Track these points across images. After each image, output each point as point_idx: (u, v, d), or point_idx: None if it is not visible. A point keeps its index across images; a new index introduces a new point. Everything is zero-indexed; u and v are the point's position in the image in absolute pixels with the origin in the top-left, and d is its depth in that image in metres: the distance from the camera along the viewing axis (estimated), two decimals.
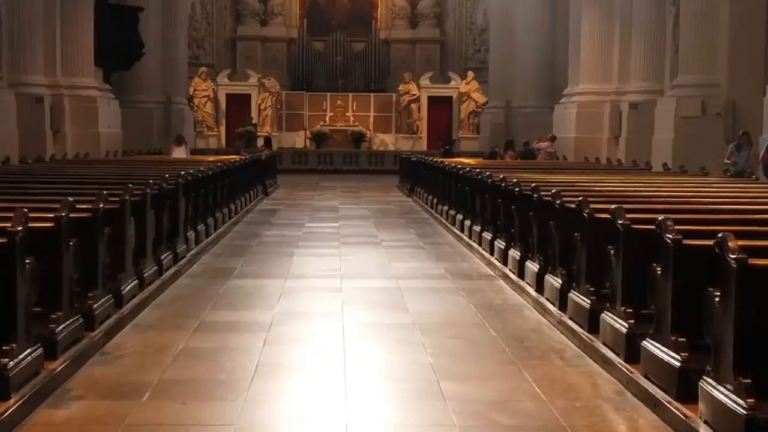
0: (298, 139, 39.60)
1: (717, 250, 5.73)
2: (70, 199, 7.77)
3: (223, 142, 38.61)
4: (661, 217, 6.88)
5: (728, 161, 16.89)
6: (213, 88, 38.86)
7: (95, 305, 8.12)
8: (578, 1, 26.93)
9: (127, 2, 29.34)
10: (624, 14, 24.80)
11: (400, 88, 40.14)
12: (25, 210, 6.70)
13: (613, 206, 7.96)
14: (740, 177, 15.41)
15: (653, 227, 6.85)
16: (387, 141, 39.88)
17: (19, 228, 6.43)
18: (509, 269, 11.57)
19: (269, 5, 41.93)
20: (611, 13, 25.34)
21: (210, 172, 15.47)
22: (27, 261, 6.54)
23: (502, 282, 11.43)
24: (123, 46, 26.75)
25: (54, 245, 7.31)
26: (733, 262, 5.55)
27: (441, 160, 22.51)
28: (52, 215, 7.40)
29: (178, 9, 34.40)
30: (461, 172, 16.70)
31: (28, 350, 6.48)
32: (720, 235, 5.76)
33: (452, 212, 17.10)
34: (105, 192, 8.79)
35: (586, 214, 8.51)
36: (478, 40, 40.80)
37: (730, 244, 5.64)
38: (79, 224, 7.88)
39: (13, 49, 21.85)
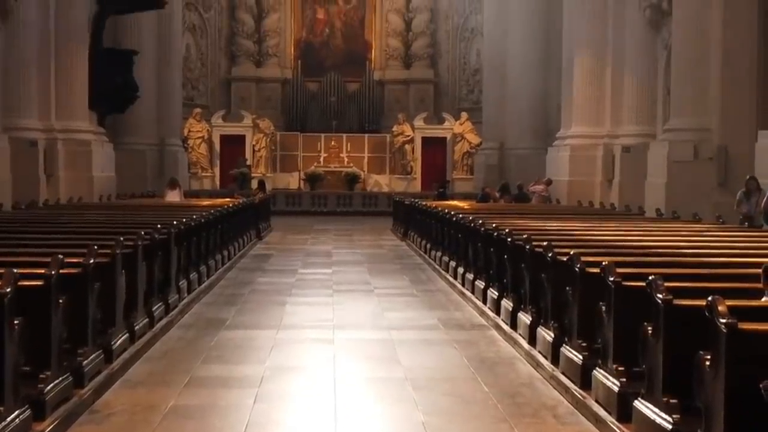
0: (292, 180, 39.65)
1: (707, 314, 5.72)
2: (60, 256, 7.74)
3: (218, 183, 38.65)
4: (652, 275, 6.86)
5: (741, 210, 16.20)
6: (207, 129, 38.95)
7: (85, 362, 8.07)
8: (570, 44, 27.11)
9: (122, 45, 29.53)
10: (616, 58, 24.97)
11: (394, 128, 40.27)
12: (14, 270, 6.67)
13: (604, 261, 7.95)
14: (752, 225, 15.02)
15: (644, 284, 6.83)
16: (381, 182, 39.94)
17: (8, 289, 6.40)
18: (502, 319, 11.53)
19: (264, 46, 42.14)
20: (603, 57, 25.49)
21: (203, 220, 15.45)
22: (16, 321, 6.51)
23: (495, 333, 11.39)
24: (118, 89, 26.83)
25: (43, 304, 7.28)
26: (723, 326, 5.53)
27: (434, 204, 22.54)
28: (42, 271, 7.38)
29: (173, 51, 34.60)
30: (454, 218, 16.70)
31: (16, 413, 6.43)
32: (710, 298, 5.74)
33: (445, 258, 17.08)
34: (96, 246, 8.75)
35: (577, 269, 8.50)
36: (472, 81, 41.02)
37: (719, 307, 5.62)
38: (69, 280, 7.85)
39: (7, 93, 21.94)
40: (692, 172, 19.48)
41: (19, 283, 6.65)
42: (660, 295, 6.55)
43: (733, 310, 5.62)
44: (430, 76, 42.45)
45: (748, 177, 16.49)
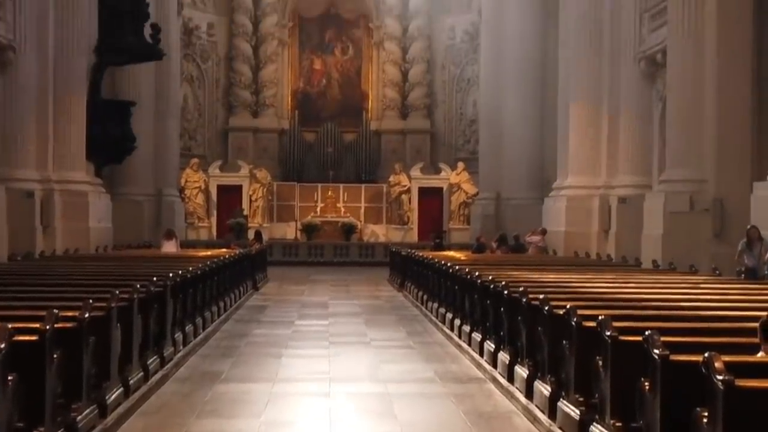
0: (289, 230, 39.66)
1: (703, 370, 5.69)
2: (55, 310, 7.71)
3: (214, 233, 38.65)
4: (648, 330, 6.84)
5: (744, 262, 15.85)
6: (204, 180, 39.04)
7: (79, 417, 8.00)
8: (565, 95, 27.27)
9: (120, 96, 29.69)
10: (611, 109, 25.11)
11: (391, 178, 40.37)
12: (9, 326, 6.64)
13: (601, 314, 7.93)
14: (755, 278, 14.72)
15: (641, 338, 6.81)
16: (378, 232, 39.96)
17: (2, 345, 6.37)
18: (499, 372, 11.47)
19: (261, 97, 42.37)
20: (599, 108, 25.64)
21: (199, 272, 15.43)
22: (9, 377, 6.47)
23: (491, 386, 11.33)
24: (115, 140, 26.94)
25: (38, 359, 7.23)
26: (720, 383, 5.51)
27: (431, 254, 22.52)
28: (37, 326, 7.34)
29: (171, 101, 34.81)
30: (450, 269, 16.68)
31: None
32: (706, 354, 5.72)
33: (442, 310, 17.04)
34: (91, 300, 8.72)
35: (573, 323, 8.47)
36: (468, 131, 41.22)
37: (716, 364, 5.60)
38: (64, 335, 7.81)
39: (5, 144, 22.07)
40: (688, 223, 19.50)
41: (14, 339, 6.62)
42: (657, 351, 6.52)
43: (730, 367, 5.60)
44: (427, 126, 42.66)
45: (749, 226, 16.22)
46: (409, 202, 40.22)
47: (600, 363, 7.66)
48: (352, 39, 43.28)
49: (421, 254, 22.86)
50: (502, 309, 11.84)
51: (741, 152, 19.24)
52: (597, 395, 7.80)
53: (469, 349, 13.52)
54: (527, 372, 10.17)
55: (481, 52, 37.64)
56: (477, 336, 13.30)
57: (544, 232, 26.69)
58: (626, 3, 24.33)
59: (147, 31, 27.04)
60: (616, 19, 24.86)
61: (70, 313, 8.27)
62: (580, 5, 26.08)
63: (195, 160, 38.88)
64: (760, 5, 19.52)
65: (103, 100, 26.89)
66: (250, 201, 39.67)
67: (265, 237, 32.98)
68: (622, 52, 24.49)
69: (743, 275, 15.03)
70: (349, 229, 38.27)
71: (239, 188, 39.78)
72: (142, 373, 10.51)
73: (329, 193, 39.94)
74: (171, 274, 13.07)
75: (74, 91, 23.96)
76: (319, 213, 39.50)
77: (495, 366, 11.79)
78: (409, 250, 25.65)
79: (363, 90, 43.16)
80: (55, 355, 7.50)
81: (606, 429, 7.46)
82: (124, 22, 26.36)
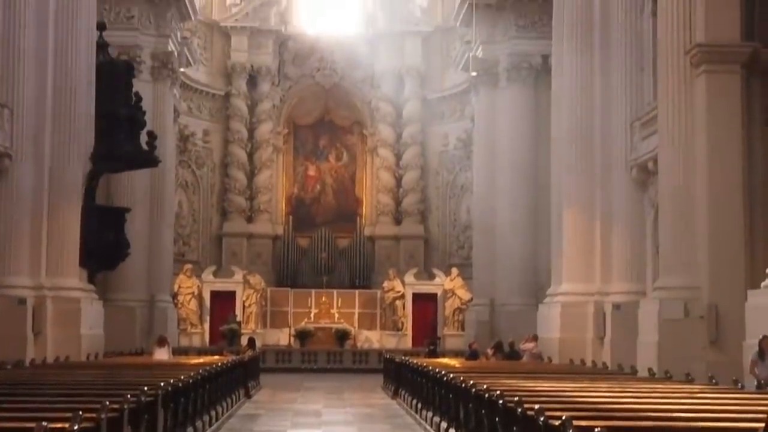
0: (283, 336, 39.40)
1: None
2: (44, 423, 7.59)
3: (207, 339, 38.41)
4: None
5: (756, 373, 15.53)
6: (198, 285, 38.95)
7: None
8: (558, 202, 27.45)
9: (115, 202, 29.83)
10: (604, 216, 25.25)
11: (385, 284, 40.31)
12: None
13: (597, 426, 7.83)
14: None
15: None
16: (372, 338, 39.72)
17: None
18: None
19: (255, 202, 42.59)
20: (591, 215, 25.77)
21: (191, 380, 15.26)
22: None
23: None
24: (109, 246, 26.92)
25: None
26: None
27: (425, 361, 22.35)
28: None
29: (165, 208, 34.97)
30: (445, 377, 16.52)
31: None
32: None
33: (437, 419, 16.82)
34: (80, 411, 8.59)
35: None
36: (462, 237, 41.34)
37: None
38: None
39: None
40: (683, 330, 19.41)
41: None
42: None
43: None
44: (421, 232, 42.80)
45: (762, 336, 15.83)
46: (403, 308, 40.08)
47: None
48: (347, 145, 43.74)
49: (415, 361, 22.67)
50: (497, 419, 11.69)
51: (734, 259, 19.29)
52: None
53: None
54: None
55: (474, 158, 38.00)
56: None
57: (535, 338, 26.62)
58: (617, 112, 24.68)
59: (143, 138, 27.28)
60: (607, 128, 25.18)
61: (59, 425, 8.14)
62: (570, 115, 26.44)
63: (189, 266, 38.85)
64: (749, 112, 19.80)
65: (97, 207, 26.99)
66: (244, 307, 39.52)
67: (258, 343, 32.75)
68: (614, 160, 24.74)
69: (757, 386, 14.80)
70: (342, 336, 38.04)
71: (233, 294, 39.66)
72: None
73: (323, 299, 39.82)
74: (162, 383, 12.92)
75: (69, 198, 24.08)
76: (312, 319, 39.30)
77: None
78: (403, 357, 25.45)
79: (357, 196, 43.44)
80: None
81: None
82: (120, 130, 26.60)
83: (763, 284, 16.82)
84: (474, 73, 36.27)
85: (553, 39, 28.94)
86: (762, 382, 15.21)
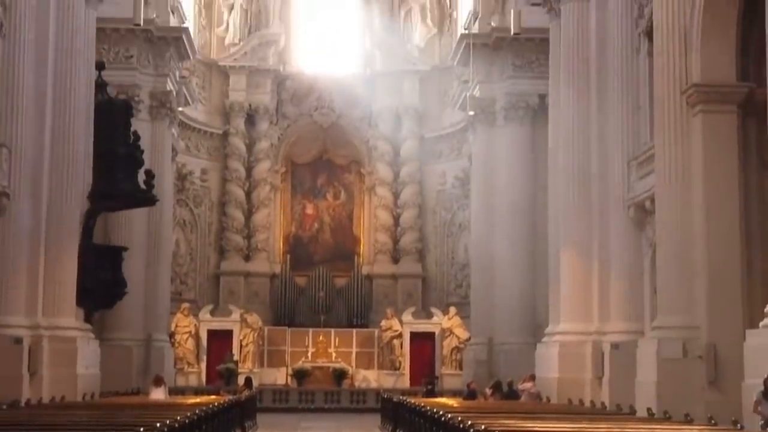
0: (280, 376, 39.21)
1: None
2: None
3: (204, 379, 38.23)
4: None
5: (761, 412, 15.17)
6: (195, 324, 38.81)
7: None
8: (556, 241, 27.46)
9: (112, 241, 29.81)
10: (602, 255, 25.23)
11: (383, 323, 40.18)
12: None
13: None
14: None
15: None
16: (369, 377, 39.52)
17: None
18: None
19: (253, 241, 42.54)
20: (589, 254, 25.76)
21: (187, 420, 15.16)
22: None
23: None
24: (106, 286, 26.89)
25: None
26: None
27: (423, 401, 22.24)
28: None
29: (163, 246, 34.95)
30: (442, 418, 16.43)
31: None
32: None
33: None
34: None
35: None
36: (460, 276, 41.26)
37: None
38: None
39: None
40: (682, 370, 19.33)
41: None
42: None
43: None
44: (418, 271, 42.72)
45: (767, 376, 15.49)
46: (401, 347, 39.89)
47: None
48: (344, 184, 43.78)
49: (413, 401, 22.56)
50: None
51: (732, 298, 19.27)
52: None
53: None
54: None
55: (471, 197, 38.03)
56: None
57: (533, 377, 26.53)
58: (613, 151, 24.74)
59: (141, 177, 27.32)
60: (604, 167, 25.23)
61: None
62: (568, 154, 26.52)
63: (186, 305, 38.73)
64: (745, 152, 19.86)
65: (95, 246, 26.97)
66: (241, 346, 39.34)
67: (255, 383, 32.60)
68: (611, 199, 24.76)
69: (762, 425, 14.70)
70: (340, 375, 37.87)
71: (230, 333, 39.48)
72: None
73: (320, 338, 39.66)
74: (158, 424, 12.83)
75: (66, 237, 24.08)
76: (310, 358, 39.12)
77: None
78: (400, 397, 25.34)
79: (355, 234, 43.41)
80: None
81: None
82: (118, 169, 26.67)
83: (761, 324, 16.77)
84: (471, 113, 36.40)
85: (549, 79, 29.11)
86: (767, 421, 15.10)
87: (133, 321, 32.11)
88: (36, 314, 23.23)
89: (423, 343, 40.02)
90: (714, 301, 19.21)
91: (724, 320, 18.98)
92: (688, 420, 15.92)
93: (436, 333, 39.87)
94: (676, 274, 20.05)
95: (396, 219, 42.91)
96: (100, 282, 26.53)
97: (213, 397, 24.55)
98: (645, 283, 23.86)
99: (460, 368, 38.02)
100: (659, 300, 20.97)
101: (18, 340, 21.98)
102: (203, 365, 38.93)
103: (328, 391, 36.43)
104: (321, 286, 41.98)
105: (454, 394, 30.94)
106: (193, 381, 37.70)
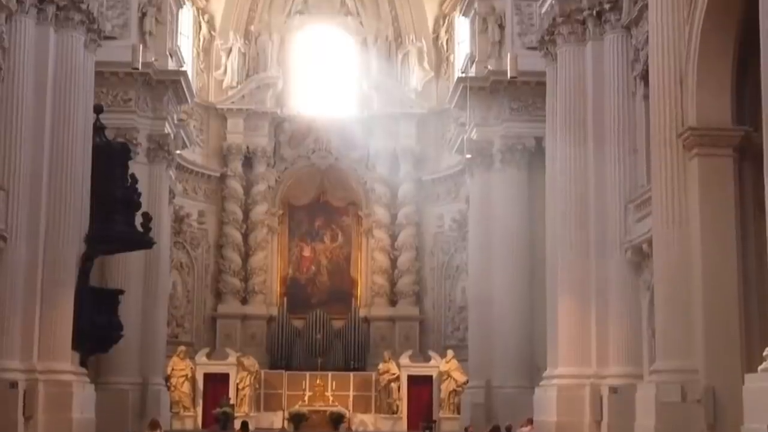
0: (276, 420, 38.92)
1: None
2: None
3: (200, 423, 37.98)
4: None
5: None
6: (191, 368, 38.64)
7: None
8: (553, 284, 27.38)
9: (108, 284, 29.74)
10: (600, 298, 25.16)
11: (380, 366, 40.01)
12: None
13: None
14: None
15: None
16: (367, 421, 39.32)
17: None
18: None
19: (250, 283, 42.46)
20: (587, 297, 25.67)
21: None
22: None
23: None
24: (102, 329, 26.71)
25: None
26: None
27: None
28: None
29: (159, 289, 34.84)
30: None
31: None
32: None
33: None
34: None
35: None
36: (458, 318, 41.17)
37: None
38: None
39: None
40: (681, 414, 19.20)
41: None
42: None
43: None
44: (416, 314, 42.63)
45: None
46: (399, 391, 39.70)
47: None
48: (342, 226, 43.78)
49: None
50: None
51: (731, 341, 19.17)
52: None
53: None
54: None
55: (469, 240, 38.02)
56: None
57: (531, 421, 26.39)
58: (611, 194, 24.77)
59: (138, 219, 27.27)
60: (601, 210, 25.23)
61: None
62: (564, 197, 26.53)
63: (182, 348, 38.56)
64: (742, 195, 19.87)
65: (91, 289, 26.87)
66: (237, 389, 39.13)
67: (251, 427, 32.41)
68: (609, 242, 24.75)
69: None
70: (337, 419, 37.60)
71: (226, 376, 39.30)
72: None
73: (317, 381, 39.44)
74: None
75: (63, 280, 24.01)
76: (307, 401, 38.88)
77: None
78: None
79: (352, 277, 43.34)
80: None
81: None
82: (115, 212, 26.62)
83: (760, 368, 16.66)
84: (468, 155, 36.48)
85: (546, 123, 29.21)
86: None
87: (128, 364, 31.91)
88: (31, 358, 23.11)
89: (421, 386, 39.83)
90: (712, 344, 19.12)
91: (723, 364, 18.88)
92: None
93: (434, 376, 39.70)
94: (673, 317, 19.98)
95: (393, 261, 42.87)
96: (96, 325, 26.39)
97: None
98: (643, 327, 23.78)
99: (458, 412, 37.80)
100: (657, 343, 20.88)
101: (13, 385, 21.84)
102: (199, 409, 38.68)
103: None
104: (318, 329, 41.86)
105: None
106: (189, 425, 37.46)
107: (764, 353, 16.04)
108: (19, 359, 22.59)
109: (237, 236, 42.27)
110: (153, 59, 34.12)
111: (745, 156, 19.87)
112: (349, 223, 43.72)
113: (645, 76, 22.66)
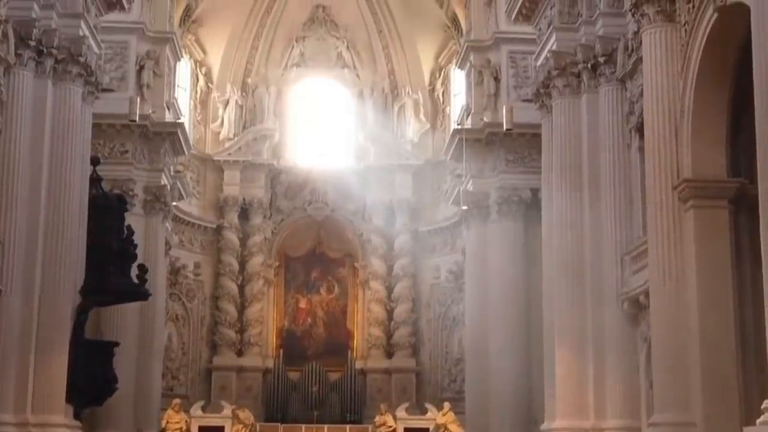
0: None
1: None
2: None
3: None
4: None
5: None
6: (186, 420, 38.33)
7: None
8: (550, 336, 27.25)
9: (104, 336, 29.57)
10: (597, 350, 24.96)
11: (377, 419, 39.77)
12: None
13: None
14: None
15: None
16: None
17: None
18: None
19: (246, 335, 42.33)
20: (584, 350, 25.46)
21: None
22: None
23: None
24: (97, 382, 26.48)
25: None
26: None
27: None
28: None
29: (155, 341, 34.67)
30: None
31: None
32: None
33: None
34: None
35: None
36: (454, 370, 41.01)
37: None
38: None
39: None
40: None
41: None
42: None
43: None
44: (412, 365, 42.47)
45: None
46: None
47: None
48: (338, 278, 43.76)
49: None
50: None
51: (729, 394, 19.07)
52: None
53: None
54: None
55: (466, 291, 37.94)
56: None
57: None
58: (607, 246, 24.73)
59: (134, 271, 27.19)
60: (598, 262, 25.16)
61: None
62: (561, 248, 26.48)
63: (177, 401, 38.30)
64: (738, 247, 19.88)
65: (86, 341, 26.66)
66: None
67: None
68: (605, 294, 24.66)
69: None
70: None
71: (221, 429, 39.03)
72: None
73: None
74: None
75: (58, 333, 23.84)
76: None
77: None
78: None
79: (348, 329, 43.23)
80: None
81: None
82: (111, 263, 26.51)
83: (759, 421, 16.56)
84: (465, 207, 36.55)
85: (542, 175, 29.23)
86: None
87: (123, 417, 31.64)
88: (25, 411, 22.87)
89: None
90: (710, 397, 19.01)
91: (721, 417, 18.76)
92: None
93: (431, 429, 39.44)
94: (671, 369, 19.88)
95: (390, 313, 42.78)
96: (91, 378, 26.16)
97: None
98: (641, 379, 23.65)
99: None
100: (655, 396, 20.76)
101: None
102: None
103: None
104: (314, 381, 41.67)
105: None
106: None
107: (762, 406, 15.95)
108: (12, 412, 22.36)
109: (233, 288, 42.20)
110: (150, 111, 34.26)
111: (740, 208, 19.91)
112: (345, 274, 43.69)
113: (640, 129, 22.77)
